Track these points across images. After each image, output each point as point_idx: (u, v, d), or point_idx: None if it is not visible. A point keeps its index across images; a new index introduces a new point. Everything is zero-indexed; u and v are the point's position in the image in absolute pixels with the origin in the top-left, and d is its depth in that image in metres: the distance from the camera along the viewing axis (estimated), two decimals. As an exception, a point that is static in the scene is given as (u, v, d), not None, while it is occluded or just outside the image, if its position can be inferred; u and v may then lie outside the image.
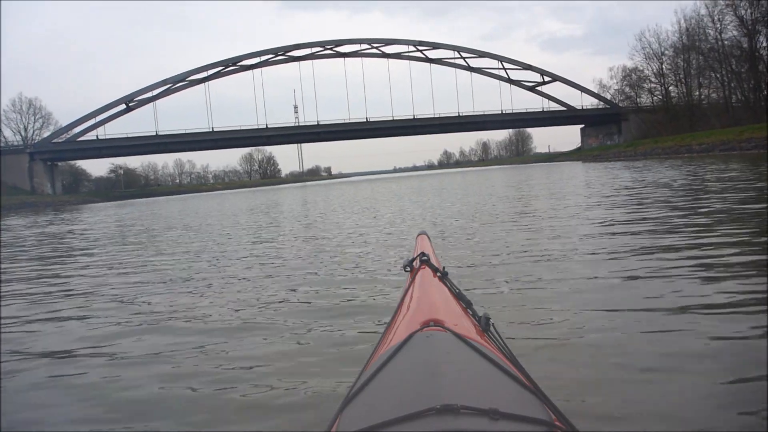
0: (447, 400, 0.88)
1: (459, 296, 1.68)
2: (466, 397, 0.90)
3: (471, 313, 1.56)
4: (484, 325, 1.43)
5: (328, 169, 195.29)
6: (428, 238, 2.51)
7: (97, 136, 71.25)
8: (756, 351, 2.72)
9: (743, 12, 55.24)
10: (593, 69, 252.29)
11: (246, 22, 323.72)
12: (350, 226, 10.97)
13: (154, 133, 72.03)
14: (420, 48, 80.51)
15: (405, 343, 1.20)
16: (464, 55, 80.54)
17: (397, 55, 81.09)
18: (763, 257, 4.89)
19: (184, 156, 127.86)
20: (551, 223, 8.41)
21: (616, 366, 2.66)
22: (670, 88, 71.60)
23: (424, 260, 1.95)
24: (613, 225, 7.60)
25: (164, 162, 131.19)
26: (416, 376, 1.04)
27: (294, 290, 4.97)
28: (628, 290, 4.05)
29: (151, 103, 73.96)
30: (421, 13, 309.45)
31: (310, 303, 4.45)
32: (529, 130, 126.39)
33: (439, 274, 1.86)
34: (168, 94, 75.37)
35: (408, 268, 1.99)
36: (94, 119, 71.24)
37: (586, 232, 7.07)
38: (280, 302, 4.53)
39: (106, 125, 71.72)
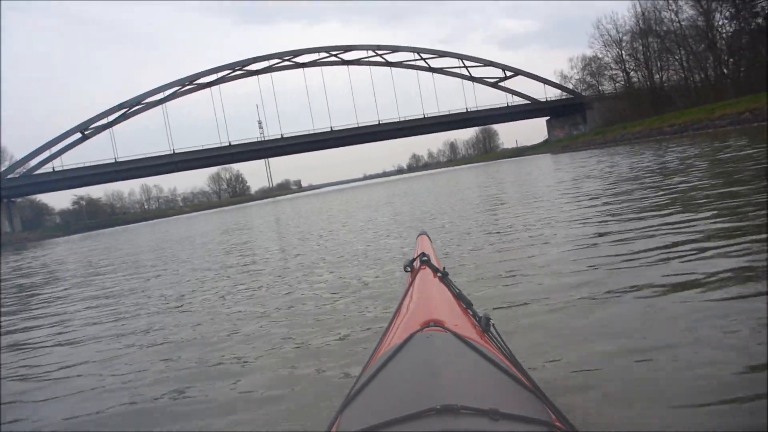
0: (447, 401, 0.87)
1: (459, 296, 1.66)
2: (466, 397, 0.90)
3: (471, 313, 1.56)
4: (484, 325, 1.43)
5: (298, 182, 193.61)
6: (428, 238, 2.49)
7: (53, 168, 68.72)
8: (758, 350, 2.56)
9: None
10: (552, 63, 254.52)
11: (201, 38, 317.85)
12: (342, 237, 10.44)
13: (113, 160, 69.80)
14: (379, 52, 79.66)
15: (405, 343, 1.21)
16: (424, 56, 79.95)
17: (357, 62, 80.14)
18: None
19: (150, 181, 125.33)
20: (548, 225, 7.65)
21: (616, 366, 2.61)
22: (631, 73, 71.83)
23: (425, 260, 1.96)
24: (610, 224, 6.75)
25: (130, 189, 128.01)
26: (416, 377, 1.05)
27: (292, 291, 4.89)
28: (631, 293, 3.79)
29: (108, 130, 71.79)
30: (377, 20, 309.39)
31: (309, 303, 4.40)
32: (495, 126, 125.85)
33: (439, 274, 1.85)
34: (125, 119, 73.27)
35: (408, 268, 2.00)
36: (48, 151, 68.75)
37: (585, 234, 6.37)
38: (278, 304, 4.47)
39: (63, 156, 69.42)
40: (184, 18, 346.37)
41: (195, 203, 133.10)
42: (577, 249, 5.43)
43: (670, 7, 60.56)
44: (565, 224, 7.13)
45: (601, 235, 5.93)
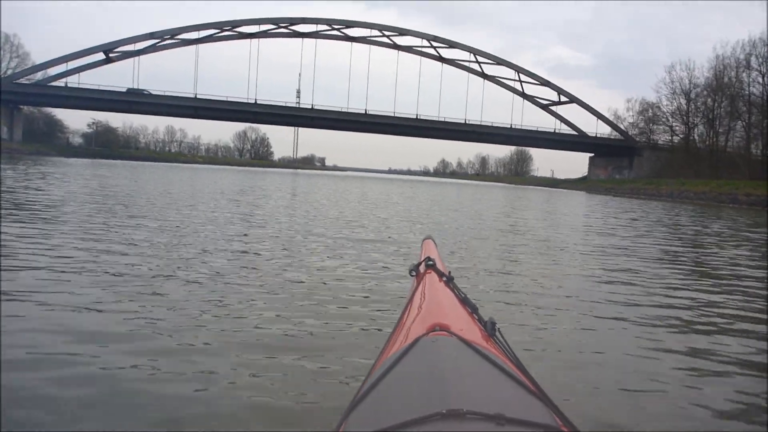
0: (453, 405, 0.87)
1: (465, 301, 1.66)
2: (472, 402, 0.90)
3: (477, 317, 1.56)
4: (489, 329, 1.44)
5: (322, 160, 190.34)
6: (434, 242, 2.51)
7: (66, 83, 64.59)
8: (758, 377, 2.62)
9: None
10: (598, 101, 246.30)
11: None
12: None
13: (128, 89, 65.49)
14: (434, 44, 74.52)
15: (411, 347, 1.21)
16: (480, 59, 74.66)
17: (409, 49, 75.15)
18: None
19: (177, 123, 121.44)
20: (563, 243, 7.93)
21: (622, 372, 2.60)
22: (694, 129, 66.19)
23: (430, 265, 1.96)
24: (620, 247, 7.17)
25: (155, 126, 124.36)
26: (422, 381, 1.05)
27: (299, 293, 4.74)
28: (635, 300, 3.85)
29: (135, 58, 67.56)
30: (435, 20, 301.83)
31: (316, 306, 4.31)
32: (532, 150, 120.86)
33: (444, 278, 1.85)
34: (154, 51, 69.04)
35: (414, 273, 2.01)
36: (65, 64, 64.55)
37: (596, 249, 6.71)
38: (284, 305, 4.31)
39: (82, 74, 65.22)
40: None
41: (213, 156, 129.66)
42: (585, 265, 5.42)
43: (760, 68, 54.77)
44: (578, 245, 7.19)
45: (612, 258, 6.22)
